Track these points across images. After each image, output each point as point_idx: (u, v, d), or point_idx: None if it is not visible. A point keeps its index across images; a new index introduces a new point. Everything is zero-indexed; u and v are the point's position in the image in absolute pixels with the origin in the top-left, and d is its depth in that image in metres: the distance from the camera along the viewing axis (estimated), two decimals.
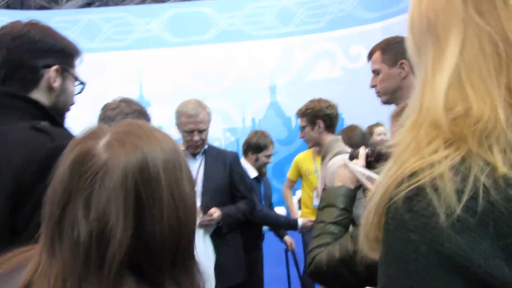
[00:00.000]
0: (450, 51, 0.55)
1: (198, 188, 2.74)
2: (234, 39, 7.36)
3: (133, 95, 6.89)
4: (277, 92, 7.38)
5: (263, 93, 7.36)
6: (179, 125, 2.77)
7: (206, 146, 2.84)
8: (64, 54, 1.43)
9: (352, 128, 3.65)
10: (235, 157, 2.94)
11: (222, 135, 7.34)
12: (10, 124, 1.24)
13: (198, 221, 2.57)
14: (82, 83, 1.47)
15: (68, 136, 1.21)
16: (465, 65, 0.54)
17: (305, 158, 3.97)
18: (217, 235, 2.73)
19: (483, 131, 0.50)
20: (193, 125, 2.70)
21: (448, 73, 0.55)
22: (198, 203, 2.58)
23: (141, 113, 2.01)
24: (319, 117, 2.67)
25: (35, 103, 1.33)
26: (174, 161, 0.76)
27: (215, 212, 2.67)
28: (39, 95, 1.36)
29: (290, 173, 4.13)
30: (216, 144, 6.92)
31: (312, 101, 2.75)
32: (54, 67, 1.39)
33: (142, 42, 7.40)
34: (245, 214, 2.86)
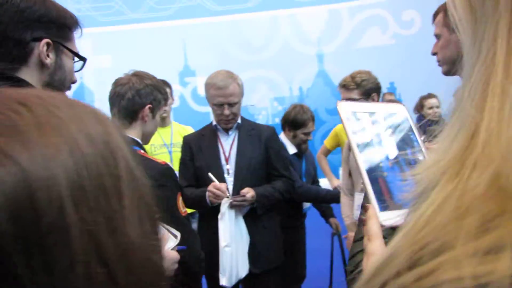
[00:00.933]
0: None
1: (231, 166, 2.65)
2: (278, 6, 7.25)
3: (177, 65, 7.26)
4: (325, 60, 7.26)
5: (310, 62, 7.25)
6: (209, 98, 2.67)
7: (239, 121, 2.72)
8: (57, 25, 1.29)
9: None
10: (272, 132, 2.77)
11: (269, 104, 7.30)
12: None
13: (228, 202, 2.49)
14: (82, 58, 1.35)
15: None
16: None
17: None
18: (251, 217, 2.62)
19: None
20: (222, 98, 2.58)
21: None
22: (231, 183, 2.57)
23: (155, 88, 1.91)
24: (375, 91, 2.60)
25: (20, 83, 1.21)
26: (102, 171, 0.46)
27: (248, 193, 2.56)
28: (30, 73, 1.25)
29: (327, 141, 3.96)
30: (263, 114, 7.19)
31: (365, 72, 2.63)
32: (45, 41, 1.26)
33: (185, 11, 7.40)
34: (282, 194, 2.70)
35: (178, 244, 1.66)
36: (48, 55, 1.26)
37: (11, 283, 0.39)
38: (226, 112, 2.56)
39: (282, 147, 2.89)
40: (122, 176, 0.48)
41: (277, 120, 6.87)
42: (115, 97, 1.91)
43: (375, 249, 0.63)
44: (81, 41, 1.38)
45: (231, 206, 2.53)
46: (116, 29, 7.22)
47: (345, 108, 0.76)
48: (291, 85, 7.32)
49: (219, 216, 2.51)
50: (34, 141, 0.43)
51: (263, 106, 7.25)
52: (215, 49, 7.21)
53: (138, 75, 1.93)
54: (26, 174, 0.41)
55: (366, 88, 2.58)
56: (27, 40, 1.22)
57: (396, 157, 0.75)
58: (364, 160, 0.73)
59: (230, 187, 2.60)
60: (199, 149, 2.68)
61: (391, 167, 0.74)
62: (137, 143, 1.88)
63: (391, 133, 0.77)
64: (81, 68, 1.36)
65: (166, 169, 1.79)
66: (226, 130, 2.69)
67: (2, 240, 0.39)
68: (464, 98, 0.37)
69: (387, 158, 0.75)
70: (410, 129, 0.79)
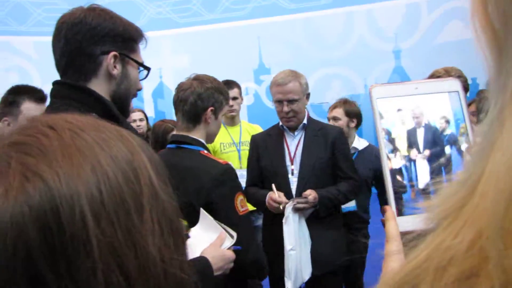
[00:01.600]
0: None
1: (296, 166, 2.62)
2: (353, 2, 7.14)
3: (252, 64, 7.34)
4: (402, 56, 7.09)
5: (387, 58, 7.10)
6: (272, 96, 2.69)
7: (305, 121, 2.68)
8: (123, 39, 1.37)
9: None
10: (339, 133, 2.72)
11: None
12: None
13: (292, 205, 2.47)
14: (146, 68, 1.42)
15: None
16: None
17: None
18: (314, 219, 2.57)
19: None
20: (281, 95, 2.58)
21: None
22: (294, 184, 2.53)
23: (216, 91, 1.94)
24: (467, 89, 2.50)
25: (90, 93, 1.30)
26: (122, 187, 0.50)
27: (310, 194, 2.51)
28: (99, 84, 1.33)
29: None
30: None
31: (458, 69, 2.53)
32: (112, 53, 1.34)
33: (260, 10, 7.45)
34: (346, 196, 2.65)
35: (234, 244, 1.64)
36: (115, 66, 1.35)
37: (40, 287, 0.44)
38: (285, 109, 2.56)
39: (348, 148, 2.82)
40: (143, 192, 0.51)
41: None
42: (179, 102, 1.95)
43: (392, 251, 0.63)
44: (161, 42, 1.50)
45: (295, 209, 2.52)
46: (194, 30, 7.39)
47: (379, 93, 0.71)
48: (366, 82, 7.19)
49: (284, 220, 2.50)
50: (60, 161, 0.47)
51: None
52: (289, 47, 7.20)
53: (199, 79, 1.97)
54: (51, 190, 0.45)
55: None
56: (96, 53, 1.32)
57: (427, 154, 0.71)
58: (391, 156, 0.70)
59: (294, 187, 2.60)
60: (265, 149, 2.71)
61: (419, 167, 0.70)
62: (201, 144, 1.92)
63: (427, 124, 0.72)
64: (146, 77, 1.44)
65: (226, 168, 1.83)
66: (293, 130, 2.68)
67: (31, 247, 0.44)
68: (482, 136, 0.36)
69: (417, 153, 0.71)
70: (459, 113, 0.72)
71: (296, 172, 2.59)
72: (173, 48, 7.22)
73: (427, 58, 6.40)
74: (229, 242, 1.66)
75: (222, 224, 1.71)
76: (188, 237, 1.18)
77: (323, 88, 6.82)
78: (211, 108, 1.93)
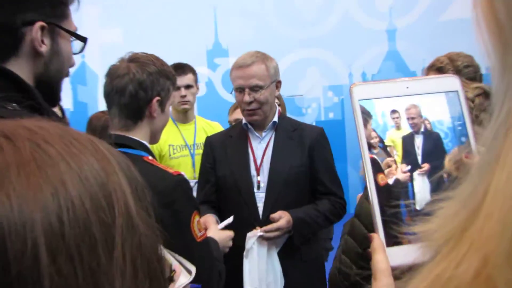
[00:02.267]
0: None
1: (263, 178, 2.52)
2: None
3: (205, 43, 6.99)
4: (397, 37, 6.84)
5: (378, 39, 6.82)
6: (232, 83, 2.57)
7: (275, 119, 2.58)
8: (51, 3, 1.32)
9: None
10: (319, 134, 2.60)
11: (322, 94, 6.91)
12: None
13: (258, 234, 2.40)
14: (82, 39, 1.38)
15: None
16: None
17: None
18: (287, 249, 2.47)
19: None
20: (241, 80, 2.48)
21: None
22: (261, 201, 2.47)
23: (161, 75, 1.90)
24: (479, 81, 2.44)
25: (4, 74, 1.24)
26: (90, 217, 0.48)
27: (283, 218, 2.40)
28: (19, 65, 1.28)
29: None
30: (313, 107, 6.75)
31: (467, 56, 2.49)
32: (39, 24, 1.29)
33: None
34: (328, 219, 2.56)
35: (192, 282, 1.50)
36: (42, 41, 1.30)
37: None
38: (246, 98, 2.45)
39: (331, 154, 2.69)
40: (117, 224, 0.51)
41: (332, 116, 6.71)
42: (114, 94, 1.89)
43: None
44: (84, 10, 1.38)
45: (261, 241, 2.42)
46: None
47: (361, 93, 0.74)
48: (351, 70, 6.90)
49: (244, 254, 2.40)
50: (13, 181, 0.47)
51: (314, 96, 6.90)
52: (254, 23, 6.95)
53: (139, 61, 1.91)
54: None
55: (467, 78, 2.35)
56: (16, 25, 1.27)
57: (423, 170, 0.72)
58: (376, 172, 0.70)
59: (260, 206, 2.49)
60: (224, 155, 2.62)
61: (412, 185, 0.72)
62: (144, 148, 1.88)
63: (423, 130, 0.74)
64: (82, 50, 1.40)
65: (178, 181, 1.79)
66: (260, 130, 2.57)
67: None
68: (486, 146, 0.38)
69: (410, 170, 0.72)
70: (459, 118, 0.74)
71: (263, 185, 2.52)
72: (100, 20, 6.82)
73: (428, 40, 6.27)
74: (186, 278, 1.52)
75: (176, 255, 1.62)
76: (172, 280, 1.03)
77: (296, 77, 6.62)
78: (157, 98, 1.90)
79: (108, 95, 1.94)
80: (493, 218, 0.34)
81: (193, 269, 1.60)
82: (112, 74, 1.92)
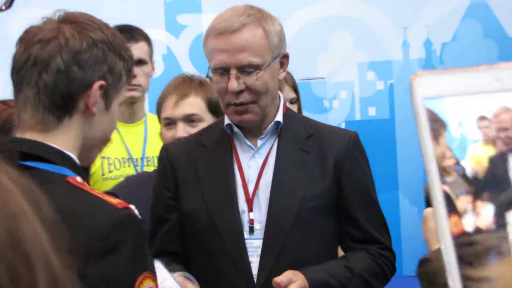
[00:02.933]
0: None
1: (260, 216, 2.28)
2: None
3: None
4: None
5: None
6: (208, 58, 2.33)
7: (279, 117, 2.33)
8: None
9: None
10: (352, 144, 2.34)
11: (358, 77, 5.42)
12: None
13: None
14: None
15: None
16: None
17: None
18: None
19: None
20: (224, 55, 2.21)
21: None
22: (256, 253, 2.37)
23: (110, 48, 1.70)
24: None
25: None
26: None
27: (294, 283, 2.11)
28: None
29: None
30: (342, 97, 5.93)
31: None
32: (98, 83, 1.53)
33: None
34: (368, 283, 2.27)
35: None
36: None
37: None
38: (233, 84, 2.18)
39: (371, 176, 2.45)
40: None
41: (373, 113, 5.42)
42: (28, 68, 1.66)
43: None
44: None
45: None
46: None
47: (428, 88, 0.65)
48: (406, 37, 5.41)
49: None
50: None
51: (343, 80, 5.37)
52: None
53: (75, 21, 1.72)
54: None
55: None
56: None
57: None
58: (450, 212, 0.62)
59: (255, 263, 2.23)
60: (192, 177, 2.40)
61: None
62: (68, 162, 1.63)
63: None
64: (9, 6, 2.09)
65: (124, 218, 1.53)
66: (252, 136, 2.33)
67: None
68: None
69: (499, 211, 0.62)
70: None
71: (259, 228, 2.27)
72: None
73: None
74: None
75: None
76: None
77: (314, 49, 5.37)
78: (101, 82, 1.70)
79: (18, 71, 1.71)
80: None
81: None
82: (30, 38, 1.71)
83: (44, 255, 0.50)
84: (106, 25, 1.76)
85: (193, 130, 2.60)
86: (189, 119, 2.67)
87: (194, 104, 2.75)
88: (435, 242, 1.55)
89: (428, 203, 1.73)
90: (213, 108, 2.81)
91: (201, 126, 2.63)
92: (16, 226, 0.49)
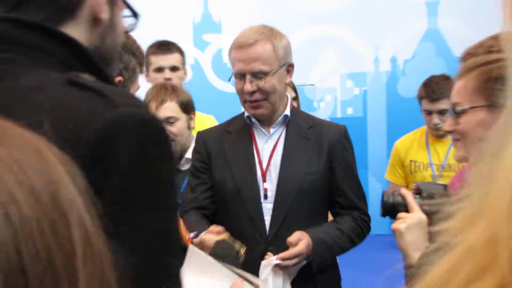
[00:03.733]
0: None
1: (271, 186, 2.50)
2: None
3: (192, 14, 6.54)
4: (440, 12, 6.19)
5: (414, 15, 6.21)
6: (232, 66, 2.55)
7: (287, 112, 2.56)
8: None
9: None
10: (342, 134, 2.59)
11: (339, 84, 6.32)
12: (39, 76, 1.01)
13: (274, 263, 2.39)
14: (135, 14, 1.32)
15: (135, 100, 1.00)
16: None
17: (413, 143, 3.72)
18: (301, 278, 2.45)
19: None
20: (242, 63, 2.42)
21: None
22: (269, 214, 2.52)
23: (125, 50, 1.93)
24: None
25: (71, 43, 1.11)
26: (51, 245, 0.47)
27: (302, 240, 2.36)
28: (78, 31, 1.17)
29: (388, 173, 3.84)
30: (327, 100, 6.51)
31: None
32: (117, 80, 1.55)
33: None
34: (352, 240, 2.54)
35: None
36: (103, 8, 1.28)
37: None
38: (248, 86, 2.42)
39: (354, 159, 2.68)
40: (77, 253, 0.51)
41: (351, 112, 6.26)
42: None
43: None
44: None
45: (274, 272, 2.39)
46: None
47: None
48: (377, 54, 6.27)
49: (260, 283, 2.23)
50: None
51: (328, 86, 6.26)
52: None
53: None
54: None
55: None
56: None
57: None
58: None
59: (267, 220, 2.45)
60: (221, 155, 2.60)
61: None
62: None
63: None
64: (132, 29, 1.36)
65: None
66: (266, 126, 2.57)
67: None
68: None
69: None
70: None
71: (271, 194, 2.47)
72: None
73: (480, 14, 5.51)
74: None
75: (235, 269, 1.73)
76: None
77: (306, 62, 6.04)
78: (118, 79, 1.85)
79: None
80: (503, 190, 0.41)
81: (260, 282, 1.91)
82: None
83: (79, 214, 0.53)
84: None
85: (173, 129, 2.90)
86: (168, 121, 2.91)
87: (170, 108, 2.99)
88: (413, 252, 1.61)
89: (385, 209, 1.79)
90: (185, 108, 3.07)
91: (178, 124, 2.94)
92: (57, 190, 0.51)
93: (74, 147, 0.82)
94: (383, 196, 1.82)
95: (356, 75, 6.37)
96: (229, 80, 2.56)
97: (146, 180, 0.85)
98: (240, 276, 1.73)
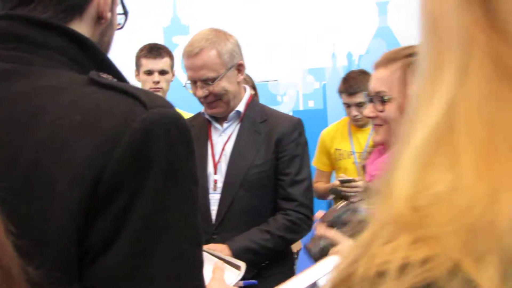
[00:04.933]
0: (447, 74, 0.45)
1: (221, 178, 2.53)
2: None
3: (161, 18, 6.57)
4: (389, 11, 6.36)
5: (366, 13, 6.36)
6: None
7: (240, 108, 2.57)
8: None
9: None
10: (292, 126, 2.55)
11: (301, 79, 6.47)
12: (57, 75, 0.98)
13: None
14: (125, 12, 1.30)
15: (162, 99, 0.95)
16: (464, 102, 0.44)
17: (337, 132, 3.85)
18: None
19: (472, 230, 0.41)
20: (191, 71, 2.50)
21: (440, 109, 0.44)
22: (215, 204, 2.53)
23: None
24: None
25: (81, 41, 1.08)
26: None
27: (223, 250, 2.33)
28: (83, 29, 1.14)
29: (316, 160, 3.89)
30: (290, 94, 6.72)
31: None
32: None
33: None
34: (285, 239, 2.49)
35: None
36: (107, 6, 1.24)
37: None
38: (199, 92, 2.51)
39: (305, 152, 2.64)
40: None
41: (312, 104, 6.44)
42: None
43: None
44: None
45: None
46: None
47: None
48: (334, 51, 6.44)
49: None
50: None
51: (291, 82, 6.44)
52: None
53: None
54: None
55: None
56: None
57: None
58: None
59: (214, 210, 2.50)
60: None
61: None
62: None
63: None
64: (122, 27, 1.32)
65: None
66: (221, 121, 2.62)
67: None
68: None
69: None
70: None
71: (220, 185, 2.52)
72: None
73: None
74: (235, 275, 1.63)
75: (216, 253, 1.76)
76: None
77: (270, 59, 6.27)
78: None
79: None
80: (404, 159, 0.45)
81: (242, 264, 1.66)
82: None
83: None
84: None
85: None
86: None
87: None
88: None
89: (317, 258, 1.76)
90: None
91: None
92: None
93: (109, 151, 0.85)
94: (307, 251, 1.84)
95: (316, 71, 6.51)
96: (185, 85, 2.63)
97: (181, 178, 0.86)
98: (220, 259, 1.72)
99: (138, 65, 3.56)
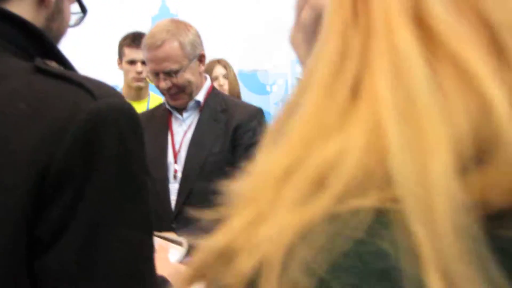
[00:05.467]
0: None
1: (180, 168, 2.56)
2: None
3: (150, 7, 6.45)
4: None
5: None
6: None
7: (199, 97, 2.59)
8: None
9: None
10: (250, 115, 2.58)
11: (290, 69, 6.48)
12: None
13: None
14: (83, 8, 1.21)
15: (111, 89, 0.94)
16: None
17: None
18: None
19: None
20: (153, 64, 2.49)
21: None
22: (174, 193, 2.57)
23: None
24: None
25: (24, 25, 1.01)
26: None
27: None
28: (24, 10, 1.06)
29: None
30: (279, 83, 6.59)
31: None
32: None
33: None
34: None
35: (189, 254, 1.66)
36: None
37: None
38: (162, 84, 2.49)
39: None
40: None
41: None
42: None
43: None
44: None
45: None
46: None
47: None
48: None
49: None
50: None
51: (280, 72, 6.42)
52: None
53: None
54: None
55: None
56: None
57: None
58: None
59: (174, 199, 2.51)
60: (147, 138, 2.34)
61: None
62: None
63: None
64: (79, 22, 1.26)
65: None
66: (181, 111, 2.62)
67: None
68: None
69: None
70: None
71: (180, 175, 2.54)
72: None
73: None
74: (180, 252, 1.64)
75: (162, 234, 1.74)
76: None
77: (260, 48, 6.20)
78: None
79: None
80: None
81: (184, 241, 1.64)
82: None
83: None
84: None
85: None
86: None
87: None
88: None
89: None
90: None
91: None
92: None
93: (57, 140, 0.84)
94: None
95: None
96: (147, 77, 2.63)
97: (130, 168, 0.87)
98: (163, 238, 1.74)
99: (121, 54, 3.55)
